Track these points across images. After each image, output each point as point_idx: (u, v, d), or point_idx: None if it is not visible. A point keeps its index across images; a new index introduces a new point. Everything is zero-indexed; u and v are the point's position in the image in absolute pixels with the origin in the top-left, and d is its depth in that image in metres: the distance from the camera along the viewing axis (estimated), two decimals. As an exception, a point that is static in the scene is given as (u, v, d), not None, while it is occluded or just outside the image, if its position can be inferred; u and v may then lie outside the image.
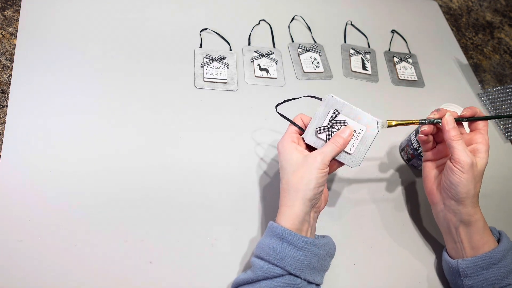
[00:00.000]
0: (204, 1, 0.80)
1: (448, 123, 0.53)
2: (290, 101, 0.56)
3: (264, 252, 0.47)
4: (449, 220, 0.54)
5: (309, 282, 0.47)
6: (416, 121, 0.55)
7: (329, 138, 0.52)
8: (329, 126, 0.52)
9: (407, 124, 0.55)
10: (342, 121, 0.52)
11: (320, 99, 0.53)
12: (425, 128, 0.55)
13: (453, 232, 0.54)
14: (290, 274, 0.46)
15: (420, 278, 0.59)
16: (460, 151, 0.51)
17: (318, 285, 0.49)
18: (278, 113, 0.54)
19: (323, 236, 0.52)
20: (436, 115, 0.55)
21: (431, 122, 0.55)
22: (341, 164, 0.54)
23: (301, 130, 0.53)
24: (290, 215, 0.48)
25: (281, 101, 0.56)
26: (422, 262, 0.61)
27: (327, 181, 0.64)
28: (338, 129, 0.52)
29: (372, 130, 0.52)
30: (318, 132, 0.52)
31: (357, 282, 0.57)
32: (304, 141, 0.53)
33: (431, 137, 0.57)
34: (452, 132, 0.52)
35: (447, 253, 0.57)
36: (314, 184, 0.48)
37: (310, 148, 0.53)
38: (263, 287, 0.46)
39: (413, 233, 0.63)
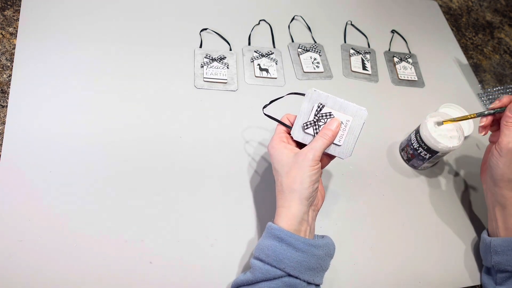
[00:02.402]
0: (204, 1, 0.80)
1: (511, 110, 0.56)
2: (278, 103, 0.56)
3: (263, 253, 0.47)
4: (489, 199, 0.60)
5: (309, 283, 0.47)
6: (471, 115, 0.59)
7: (316, 132, 0.52)
8: (315, 120, 0.52)
9: (461, 120, 0.59)
10: (328, 114, 0.52)
11: (303, 94, 0.53)
12: (483, 123, 0.58)
13: (491, 210, 0.59)
14: (289, 275, 0.46)
15: (420, 278, 0.59)
16: (505, 136, 0.55)
17: (317, 285, 0.49)
18: (265, 114, 0.54)
19: (323, 236, 0.52)
20: (497, 104, 0.58)
21: (491, 113, 0.58)
22: (332, 157, 0.54)
23: (290, 129, 0.53)
24: (288, 216, 0.48)
25: (267, 103, 0.56)
26: (422, 262, 0.61)
27: (325, 180, 0.64)
28: (325, 122, 0.52)
29: (359, 119, 0.52)
30: (305, 127, 0.52)
31: (357, 282, 0.57)
32: (293, 139, 0.53)
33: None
34: (508, 118, 0.55)
35: (487, 231, 0.61)
36: (308, 183, 0.48)
37: (300, 145, 0.53)
38: (262, 288, 0.45)
39: (413, 233, 0.63)
